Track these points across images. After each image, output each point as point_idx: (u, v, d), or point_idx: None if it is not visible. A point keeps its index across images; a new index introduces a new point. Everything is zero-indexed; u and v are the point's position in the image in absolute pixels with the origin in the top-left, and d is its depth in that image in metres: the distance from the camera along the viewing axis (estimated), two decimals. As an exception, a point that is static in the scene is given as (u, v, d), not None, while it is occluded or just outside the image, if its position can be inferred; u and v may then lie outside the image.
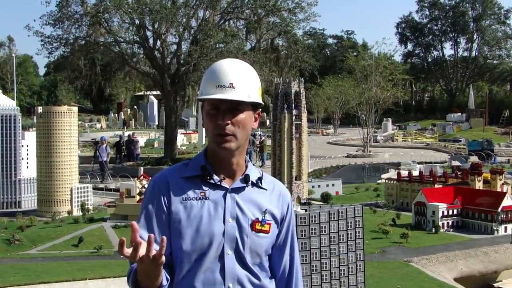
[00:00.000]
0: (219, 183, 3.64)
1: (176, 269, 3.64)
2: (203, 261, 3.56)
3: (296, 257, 3.98)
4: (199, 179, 3.66)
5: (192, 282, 3.58)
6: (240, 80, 3.61)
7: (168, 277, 3.56)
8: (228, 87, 3.55)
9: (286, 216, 3.85)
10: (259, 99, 3.71)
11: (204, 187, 3.64)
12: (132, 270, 3.49)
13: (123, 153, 61.48)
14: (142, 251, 3.16)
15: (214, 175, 3.66)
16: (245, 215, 3.63)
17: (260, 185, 3.76)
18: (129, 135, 68.04)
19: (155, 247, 3.25)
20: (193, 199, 3.61)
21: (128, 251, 3.16)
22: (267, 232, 3.69)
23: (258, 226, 3.65)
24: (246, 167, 3.76)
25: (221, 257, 3.57)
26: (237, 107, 3.59)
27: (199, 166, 3.69)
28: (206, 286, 3.55)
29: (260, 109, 3.80)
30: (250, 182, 3.71)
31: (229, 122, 3.56)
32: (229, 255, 3.58)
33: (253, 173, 3.77)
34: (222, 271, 3.57)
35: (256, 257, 3.67)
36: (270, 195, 3.78)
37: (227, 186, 3.65)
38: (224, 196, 3.62)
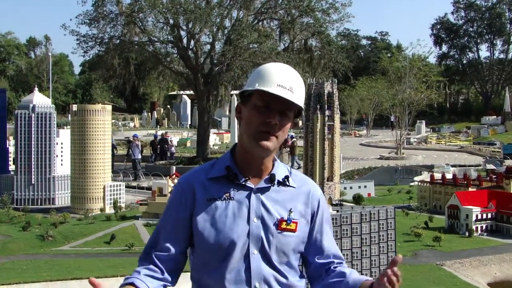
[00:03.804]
0: (244, 183, 3.63)
1: (201, 272, 3.67)
2: (228, 261, 3.56)
3: (336, 250, 3.90)
4: (224, 180, 3.65)
5: (218, 282, 3.58)
6: (298, 87, 3.63)
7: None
8: (288, 89, 3.55)
9: (318, 212, 3.80)
10: (302, 112, 3.74)
11: (229, 188, 3.63)
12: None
13: (157, 152, 62.15)
14: None
15: (239, 175, 3.64)
16: (271, 214, 3.61)
17: (288, 183, 3.72)
18: (162, 134, 68.60)
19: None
20: (218, 199, 3.61)
21: None
22: (293, 230, 3.64)
23: (283, 225, 3.62)
24: (273, 165, 3.73)
25: (247, 257, 3.56)
26: (286, 111, 3.62)
27: (224, 166, 3.67)
28: (232, 286, 3.55)
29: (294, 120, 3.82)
30: (276, 181, 3.68)
31: (277, 123, 3.56)
32: (255, 254, 3.57)
33: (280, 171, 3.73)
34: (248, 270, 3.56)
35: (283, 256, 3.64)
36: (298, 193, 3.74)
37: (252, 186, 3.63)
38: (249, 196, 3.61)
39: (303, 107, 3.65)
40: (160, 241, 3.72)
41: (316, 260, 3.81)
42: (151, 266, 3.66)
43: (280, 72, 3.59)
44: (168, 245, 3.68)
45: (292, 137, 60.79)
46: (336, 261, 3.84)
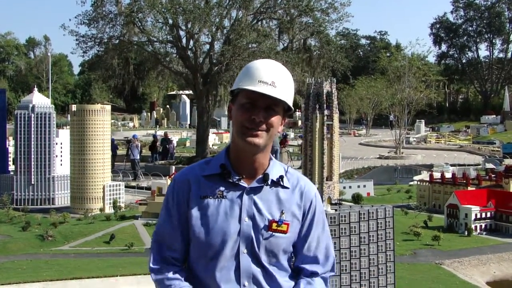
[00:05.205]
0: (237, 182, 3.61)
1: (194, 266, 3.69)
2: (218, 259, 3.57)
3: (316, 252, 3.83)
4: (218, 178, 3.64)
5: (208, 280, 3.60)
6: (281, 81, 3.56)
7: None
8: (270, 84, 3.50)
9: (309, 211, 3.75)
10: (291, 106, 3.68)
11: (222, 186, 3.62)
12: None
13: (158, 151, 62.26)
14: None
15: (232, 173, 3.62)
16: (262, 215, 3.58)
17: (282, 183, 3.67)
18: (165, 133, 68.73)
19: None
20: (210, 197, 3.60)
21: None
22: (284, 232, 3.61)
23: (274, 226, 3.59)
24: (269, 164, 3.71)
25: (237, 256, 3.56)
26: (272, 107, 3.55)
27: (218, 164, 3.66)
28: (222, 284, 3.56)
29: (287, 116, 3.78)
30: (269, 181, 3.64)
31: (262, 119, 3.53)
32: (244, 253, 3.56)
33: (275, 171, 3.68)
34: (238, 269, 3.56)
35: (272, 257, 3.62)
36: (292, 193, 3.70)
37: (246, 185, 3.61)
38: (241, 195, 3.59)
39: (288, 101, 3.59)
40: (167, 241, 3.73)
41: (296, 259, 3.79)
42: (177, 269, 3.72)
43: (262, 68, 3.57)
44: (176, 243, 3.71)
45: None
46: (308, 269, 3.77)
